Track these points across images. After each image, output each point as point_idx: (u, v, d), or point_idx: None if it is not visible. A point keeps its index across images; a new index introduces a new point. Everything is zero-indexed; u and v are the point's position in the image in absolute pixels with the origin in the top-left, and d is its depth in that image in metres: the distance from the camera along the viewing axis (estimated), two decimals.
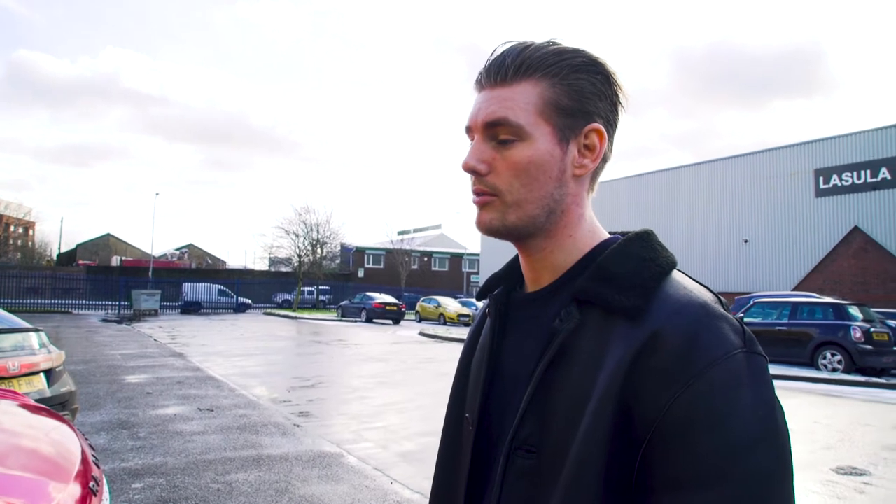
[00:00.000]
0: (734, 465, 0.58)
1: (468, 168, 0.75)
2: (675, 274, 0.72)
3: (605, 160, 0.77)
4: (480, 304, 0.97)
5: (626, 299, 0.68)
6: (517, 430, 0.72)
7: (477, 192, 0.76)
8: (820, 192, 24.91)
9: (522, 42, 0.76)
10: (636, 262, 0.72)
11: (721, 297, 0.70)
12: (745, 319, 13.67)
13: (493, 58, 0.77)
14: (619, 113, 0.78)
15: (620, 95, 0.77)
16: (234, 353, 13.82)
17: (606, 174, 0.82)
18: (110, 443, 5.52)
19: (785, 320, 13.19)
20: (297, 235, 39.94)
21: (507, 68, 0.74)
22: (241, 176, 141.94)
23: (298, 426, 6.56)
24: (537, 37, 0.79)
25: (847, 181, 23.72)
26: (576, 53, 0.75)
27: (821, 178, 24.96)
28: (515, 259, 0.87)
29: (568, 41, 0.77)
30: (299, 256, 39.84)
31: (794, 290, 23.06)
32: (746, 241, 27.78)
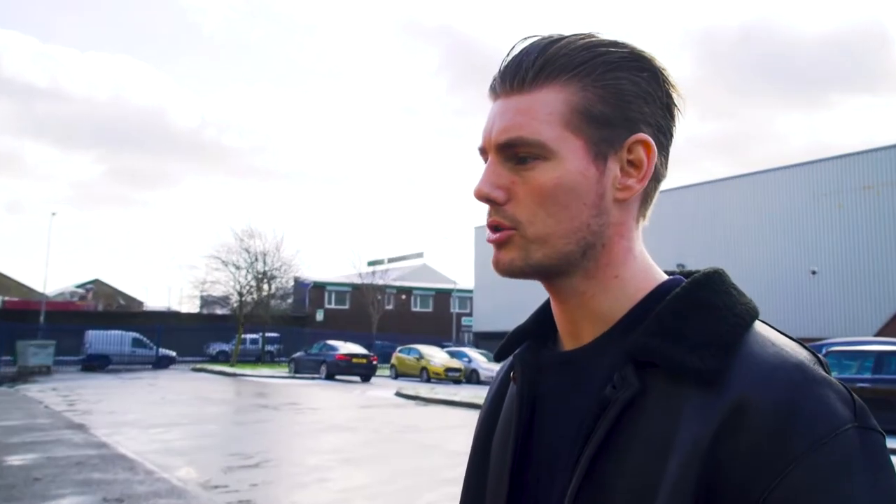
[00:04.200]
0: None
1: (481, 196, 0.77)
2: (759, 326, 0.72)
3: (657, 179, 0.79)
4: (496, 366, 0.97)
5: (699, 360, 0.67)
6: None
7: (493, 226, 0.78)
8: None
9: (547, 36, 0.78)
10: (709, 311, 0.72)
11: (820, 357, 0.69)
12: None
13: (509, 58, 0.78)
14: (676, 118, 0.79)
15: (675, 96, 0.78)
16: (153, 422, 13.70)
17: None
18: None
19: (868, 375, 13.25)
20: (238, 267, 39.81)
21: (524, 71, 0.75)
22: (159, 192, 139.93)
23: None
24: (543, 25, 0.79)
25: None
26: (613, 46, 0.76)
27: None
28: (546, 306, 0.87)
29: (605, 33, 0.78)
30: (240, 294, 39.62)
31: (877, 335, 23.24)
32: (814, 273, 28.06)
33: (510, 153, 0.75)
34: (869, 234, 26.30)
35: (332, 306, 53.61)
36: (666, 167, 0.79)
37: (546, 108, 0.73)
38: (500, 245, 0.77)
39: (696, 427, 0.64)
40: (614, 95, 0.74)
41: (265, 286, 40.54)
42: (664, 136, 0.78)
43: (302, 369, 30.73)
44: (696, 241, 31.59)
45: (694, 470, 0.62)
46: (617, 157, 0.75)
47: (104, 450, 10.14)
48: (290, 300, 47.79)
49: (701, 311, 0.72)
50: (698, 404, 0.65)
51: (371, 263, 51.86)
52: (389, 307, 51.73)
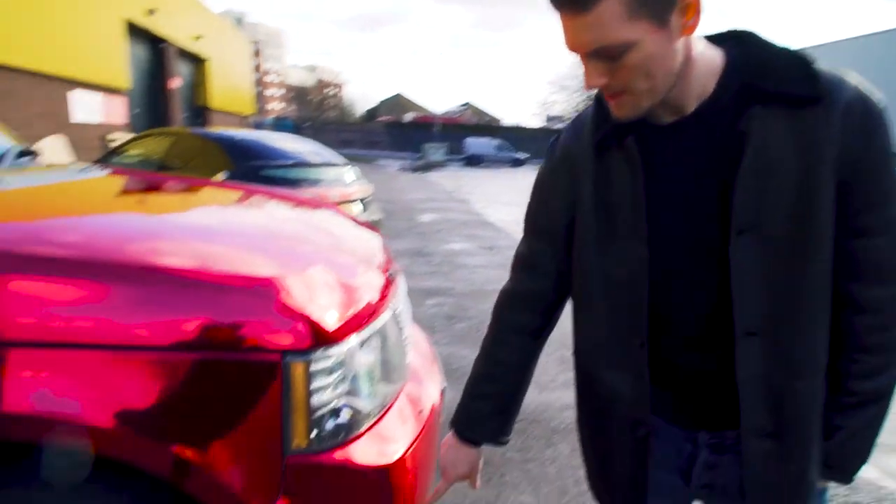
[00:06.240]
0: None
1: (591, 87, 0.83)
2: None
3: None
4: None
5: (805, 89, 0.79)
6: (738, 217, 0.82)
7: (609, 95, 0.84)
8: None
9: None
10: (784, 57, 0.82)
11: None
12: None
13: None
14: None
15: None
16: (512, 202, 14.60)
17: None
18: (410, 266, 6.48)
19: None
20: (574, 91, 39.14)
21: (579, 1, 0.75)
22: (511, 35, 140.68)
23: None
24: None
25: None
26: None
27: None
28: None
29: None
30: (576, 111, 39.24)
31: None
32: None
33: (600, 54, 0.78)
34: None
35: None
36: None
37: (610, 16, 0.74)
38: (617, 105, 0.84)
39: (824, 130, 0.79)
40: None
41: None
42: None
43: None
44: None
45: (831, 159, 0.79)
46: (676, 10, 0.75)
47: (479, 217, 11.27)
48: None
49: (780, 58, 0.81)
50: (816, 116, 0.79)
51: None
52: None
